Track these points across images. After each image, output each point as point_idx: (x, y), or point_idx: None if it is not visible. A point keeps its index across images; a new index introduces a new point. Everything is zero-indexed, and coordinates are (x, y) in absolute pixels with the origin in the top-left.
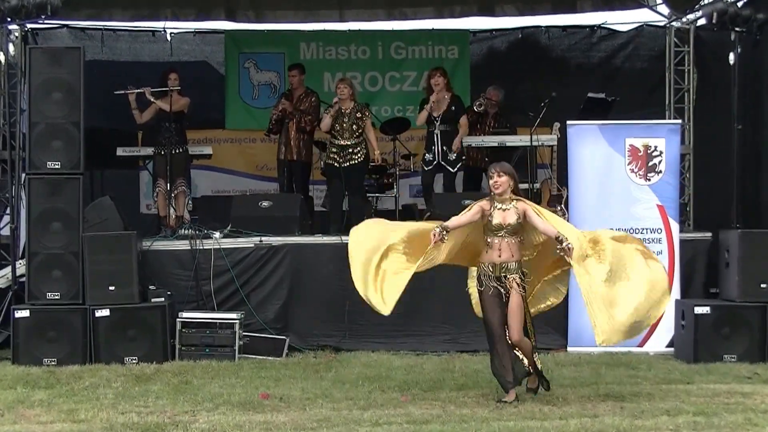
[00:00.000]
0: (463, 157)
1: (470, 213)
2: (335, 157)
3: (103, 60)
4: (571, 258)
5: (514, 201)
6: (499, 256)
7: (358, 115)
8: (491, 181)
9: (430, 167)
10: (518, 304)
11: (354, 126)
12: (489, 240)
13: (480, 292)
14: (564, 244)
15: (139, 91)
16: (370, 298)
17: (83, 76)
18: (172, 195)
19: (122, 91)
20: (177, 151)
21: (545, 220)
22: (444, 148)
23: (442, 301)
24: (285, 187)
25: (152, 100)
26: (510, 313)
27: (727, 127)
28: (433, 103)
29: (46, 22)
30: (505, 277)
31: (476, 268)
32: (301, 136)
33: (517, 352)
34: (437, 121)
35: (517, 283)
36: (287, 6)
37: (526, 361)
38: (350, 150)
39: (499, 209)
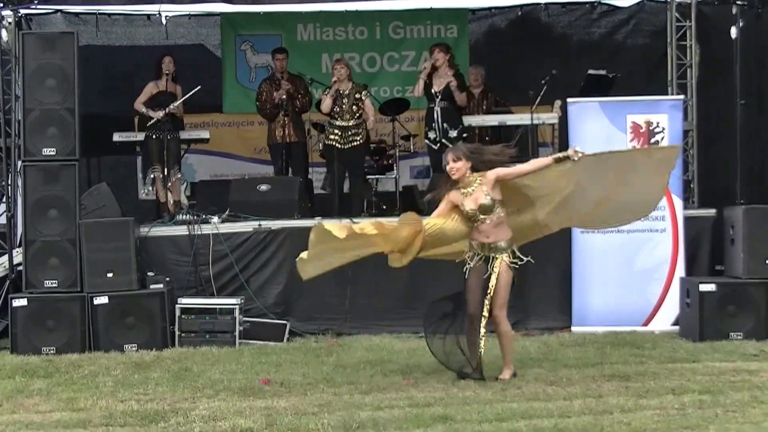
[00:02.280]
0: (464, 135)
1: (440, 209)
2: (336, 138)
3: (97, 45)
4: (584, 153)
5: (478, 178)
6: (487, 238)
7: (357, 95)
8: (447, 168)
9: (438, 145)
10: (505, 282)
11: (354, 107)
12: (472, 226)
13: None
14: (570, 154)
15: (165, 112)
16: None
17: (78, 61)
18: (170, 181)
19: (150, 114)
20: (171, 136)
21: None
22: (445, 125)
23: (443, 283)
24: (283, 170)
25: (174, 110)
26: (496, 291)
27: (730, 102)
28: (437, 77)
29: (39, 7)
30: (494, 258)
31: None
32: (298, 118)
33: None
34: (438, 97)
35: (506, 263)
36: None
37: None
38: (352, 131)
39: (467, 195)
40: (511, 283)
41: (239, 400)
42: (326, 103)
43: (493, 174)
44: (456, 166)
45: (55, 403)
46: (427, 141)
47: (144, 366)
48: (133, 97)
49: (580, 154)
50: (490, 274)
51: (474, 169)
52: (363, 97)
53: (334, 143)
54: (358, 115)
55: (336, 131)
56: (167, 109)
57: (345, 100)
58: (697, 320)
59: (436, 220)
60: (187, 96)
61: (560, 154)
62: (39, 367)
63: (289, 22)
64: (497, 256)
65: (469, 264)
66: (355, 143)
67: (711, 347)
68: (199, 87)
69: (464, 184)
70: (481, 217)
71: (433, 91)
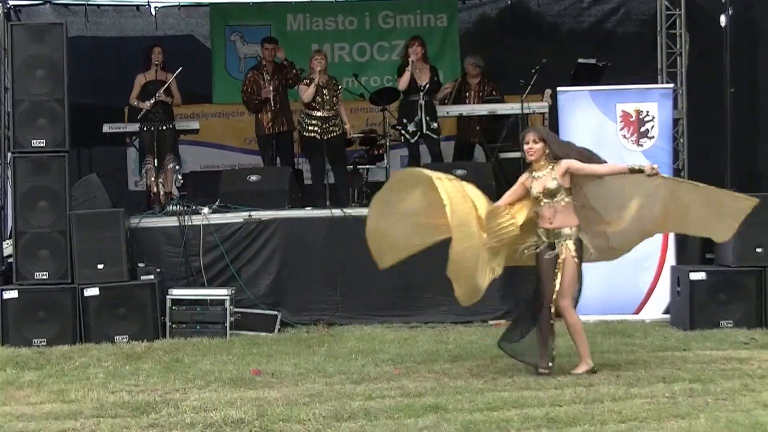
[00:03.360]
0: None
1: (512, 190)
2: (316, 129)
3: (87, 36)
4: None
5: (551, 165)
6: (551, 223)
7: (334, 88)
8: (526, 147)
9: (416, 138)
10: (570, 270)
11: (334, 98)
12: (537, 211)
13: (537, 255)
14: (646, 169)
15: (153, 102)
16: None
17: (67, 52)
18: (162, 171)
19: (141, 106)
20: (164, 127)
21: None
22: (427, 117)
23: (435, 272)
24: (272, 161)
25: (163, 99)
26: (563, 280)
27: (720, 90)
28: (417, 72)
29: None
30: (558, 242)
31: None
32: (286, 108)
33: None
34: (422, 91)
35: (570, 251)
36: None
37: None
38: (331, 122)
39: (537, 178)
40: (578, 272)
41: (230, 390)
42: (309, 93)
43: (566, 163)
44: (535, 147)
45: (46, 395)
46: (404, 133)
47: (135, 357)
48: (123, 87)
49: (656, 171)
50: (557, 261)
51: (550, 156)
52: (340, 94)
53: (314, 134)
54: (336, 106)
55: (315, 122)
56: (153, 99)
57: (325, 91)
58: (688, 309)
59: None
60: (170, 80)
61: (636, 166)
62: (30, 358)
63: (279, 12)
64: (562, 242)
65: (535, 252)
66: (335, 134)
67: (702, 336)
68: (180, 69)
69: (537, 167)
70: (545, 201)
71: (418, 84)
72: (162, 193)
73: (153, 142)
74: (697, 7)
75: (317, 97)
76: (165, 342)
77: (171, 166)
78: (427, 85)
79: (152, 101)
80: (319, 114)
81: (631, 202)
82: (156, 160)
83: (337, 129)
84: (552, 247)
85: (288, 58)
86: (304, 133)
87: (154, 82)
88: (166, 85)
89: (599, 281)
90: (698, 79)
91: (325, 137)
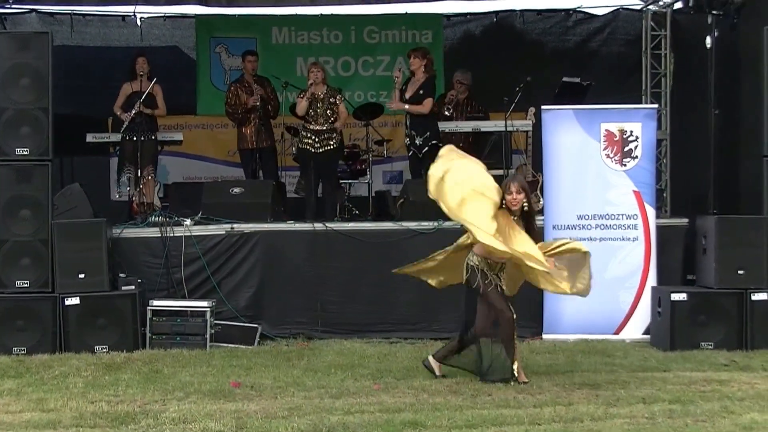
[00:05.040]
0: (432, 141)
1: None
2: (310, 142)
3: (72, 45)
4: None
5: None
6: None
7: (332, 99)
8: (509, 198)
9: (424, 151)
10: None
11: (329, 111)
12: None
13: (484, 284)
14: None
15: (135, 112)
16: None
17: (52, 61)
18: (142, 182)
19: (122, 117)
20: (146, 138)
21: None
22: (413, 132)
23: (415, 288)
24: (254, 174)
25: (148, 112)
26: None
27: (704, 112)
28: (402, 84)
29: (14, 6)
30: (498, 275)
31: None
32: (268, 122)
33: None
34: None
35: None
36: None
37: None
38: (326, 135)
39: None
40: None
41: (209, 402)
42: (302, 106)
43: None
44: (519, 198)
45: (25, 404)
46: (413, 148)
47: (114, 367)
48: (107, 97)
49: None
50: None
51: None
52: (338, 101)
53: (308, 147)
54: (332, 119)
55: (311, 135)
56: (134, 110)
57: (320, 104)
58: (668, 329)
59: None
60: (147, 89)
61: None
62: (9, 367)
63: (264, 25)
64: (500, 274)
65: (483, 281)
66: (329, 147)
67: (682, 357)
68: (155, 79)
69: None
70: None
71: (406, 97)
72: (144, 203)
73: (134, 153)
74: (682, 28)
75: (311, 111)
76: (145, 353)
77: (150, 177)
78: (412, 98)
79: (132, 112)
80: (312, 127)
81: None
82: (138, 171)
83: (332, 143)
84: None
85: (271, 71)
86: (300, 145)
87: (139, 93)
88: (144, 95)
89: (580, 300)
90: (682, 99)
91: (317, 150)
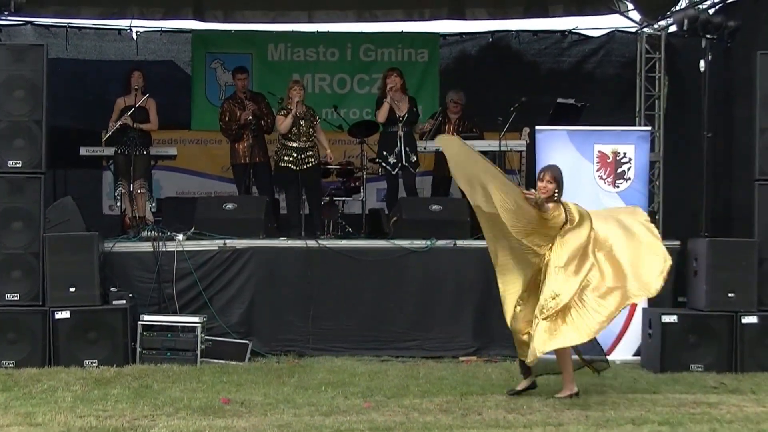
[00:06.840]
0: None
1: None
2: (292, 160)
3: (67, 58)
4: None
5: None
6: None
7: (311, 119)
8: (540, 185)
9: (397, 170)
10: None
11: (310, 129)
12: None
13: None
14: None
15: (121, 123)
16: None
17: (46, 73)
18: (133, 196)
19: (109, 126)
20: (139, 152)
21: None
22: (407, 149)
23: (407, 306)
24: (248, 191)
25: (138, 126)
26: None
27: (697, 134)
28: (396, 103)
29: (9, 18)
30: None
31: None
32: (262, 138)
33: None
34: (401, 122)
35: None
36: (256, 6)
37: None
38: (307, 153)
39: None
40: None
41: (199, 418)
42: (286, 124)
43: None
44: (549, 188)
45: (12, 417)
46: (385, 165)
47: (104, 382)
48: (101, 111)
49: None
50: None
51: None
52: (317, 123)
53: (289, 165)
54: (312, 137)
55: (292, 153)
56: (117, 123)
57: (302, 122)
58: (659, 351)
59: None
60: (139, 102)
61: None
62: None
63: (260, 41)
64: None
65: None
66: (310, 165)
67: (672, 378)
68: (147, 94)
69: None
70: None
71: (397, 115)
72: (137, 217)
73: (127, 167)
74: (677, 51)
75: (293, 128)
76: (135, 368)
77: (143, 191)
78: (406, 116)
79: (118, 124)
80: (294, 145)
81: None
82: (130, 185)
83: (313, 160)
84: None
85: (267, 87)
86: (280, 164)
87: (132, 106)
88: (133, 108)
89: None
90: (676, 122)
91: (300, 168)
